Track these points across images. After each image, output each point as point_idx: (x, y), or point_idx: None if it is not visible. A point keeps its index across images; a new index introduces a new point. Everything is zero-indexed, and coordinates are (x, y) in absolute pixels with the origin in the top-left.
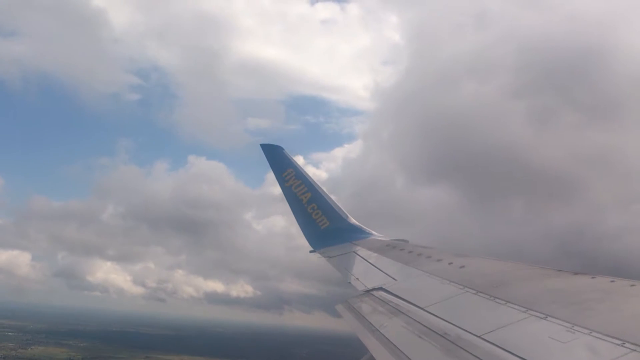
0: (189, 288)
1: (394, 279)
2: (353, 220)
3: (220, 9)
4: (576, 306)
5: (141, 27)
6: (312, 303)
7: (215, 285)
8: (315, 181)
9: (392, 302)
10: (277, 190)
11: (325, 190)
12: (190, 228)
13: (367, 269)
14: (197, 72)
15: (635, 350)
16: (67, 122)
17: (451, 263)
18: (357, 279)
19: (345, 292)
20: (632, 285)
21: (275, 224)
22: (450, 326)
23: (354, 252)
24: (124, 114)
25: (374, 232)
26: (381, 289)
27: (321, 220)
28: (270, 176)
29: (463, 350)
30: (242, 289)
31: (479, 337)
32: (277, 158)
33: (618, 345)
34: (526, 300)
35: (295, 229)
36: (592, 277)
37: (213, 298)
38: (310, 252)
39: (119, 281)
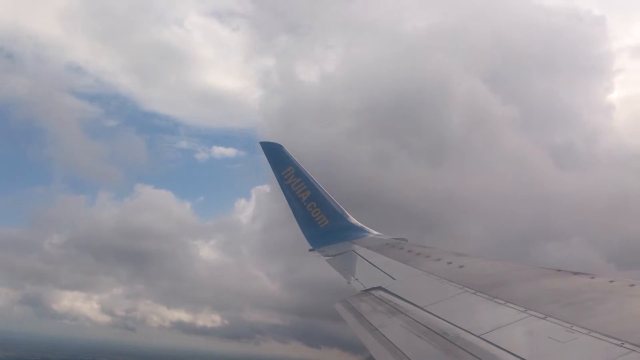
0: (155, 317)
1: (393, 278)
2: (352, 219)
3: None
4: (575, 306)
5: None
6: (285, 332)
7: (181, 315)
8: (315, 180)
9: (391, 302)
10: (234, 219)
11: (324, 188)
12: (143, 258)
13: (366, 268)
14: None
15: (634, 350)
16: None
17: (450, 262)
18: (356, 278)
19: (309, 324)
20: (631, 285)
21: (232, 253)
22: (450, 326)
23: (352, 250)
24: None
25: (373, 231)
26: (380, 288)
27: (320, 218)
28: (238, 204)
29: (462, 349)
30: (209, 318)
31: (478, 336)
32: (276, 156)
33: (617, 345)
34: (525, 300)
35: (254, 258)
36: (592, 277)
37: (183, 327)
38: (310, 250)
39: (85, 309)
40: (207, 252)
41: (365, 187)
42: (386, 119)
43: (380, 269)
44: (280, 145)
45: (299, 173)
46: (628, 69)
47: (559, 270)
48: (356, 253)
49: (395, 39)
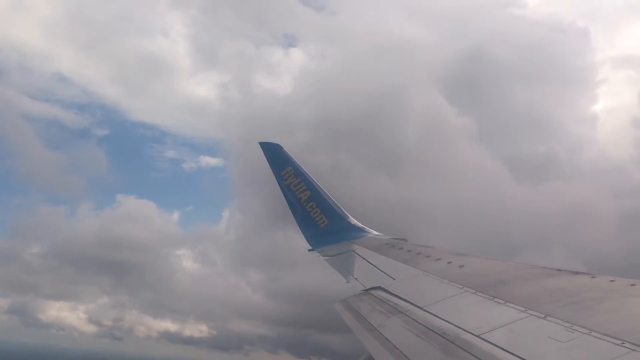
0: (142, 327)
1: (392, 278)
2: (352, 219)
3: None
4: (575, 306)
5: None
6: (274, 343)
7: (167, 325)
8: (315, 180)
9: (391, 302)
10: (219, 229)
11: (324, 189)
12: (126, 268)
13: (365, 268)
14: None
15: (634, 350)
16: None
17: (450, 262)
18: (356, 278)
19: (297, 334)
20: (632, 285)
21: (215, 263)
22: (450, 326)
23: (352, 250)
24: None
25: (372, 231)
26: (380, 288)
27: (320, 218)
28: (225, 214)
29: (462, 349)
30: (197, 328)
31: (478, 336)
32: (275, 156)
33: (617, 345)
34: (525, 300)
35: (237, 268)
36: (592, 277)
37: (171, 337)
38: (309, 250)
39: (71, 319)
40: (190, 262)
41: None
42: (345, 130)
43: (379, 269)
44: (280, 146)
45: (299, 173)
46: (611, 79)
47: (559, 270)
48: (356, 253)
49: (364, 50)
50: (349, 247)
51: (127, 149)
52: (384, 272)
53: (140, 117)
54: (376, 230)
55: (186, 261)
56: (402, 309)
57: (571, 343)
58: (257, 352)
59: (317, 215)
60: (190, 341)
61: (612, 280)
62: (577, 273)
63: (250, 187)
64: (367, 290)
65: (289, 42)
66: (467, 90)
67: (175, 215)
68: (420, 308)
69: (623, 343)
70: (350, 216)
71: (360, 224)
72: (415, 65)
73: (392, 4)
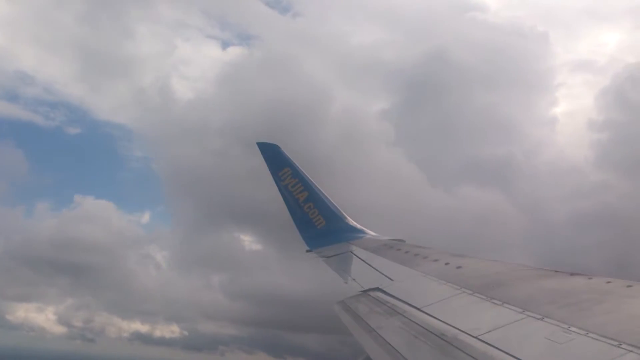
0: (112, 328)
1: (390, 279)
2: (350, 220)
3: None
4: (573, 307)
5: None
6: (249, 343)
7: (137, 326)
8: (313, 181)
9: (389, 303)
10: (178, 231)
11: (322, 190)
12: (88, 269)
13: (363, 269)
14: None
15: (631, 351)
16: None
17: (448, 263)
18: (354, 279)
19: (271, 334)
20: (628, 286)
21: (178, 265)
22: (447, 327)
23: (350, 252)
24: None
25: (370, 232)
26: (378, 289)
27: (317, 219)
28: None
29: (460, 350)
30: (168, 329)
31: (476, 337)
32: (273, 156)
33: (614, 346)
34: (523, 301)
35: (201, 273)
36: (589, 278)
37: (142, 338)
38: (307, 251)
39: (40, 321)
40: (152, 262)
41: (241, 203)
42: (261, 135)
43: (377, 270)
44: (277, 146)
45: (296, 174)
46: (569, 83)
47: (556, 271)
48: (353, 254)
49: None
50: (346, 248)
51: (91, 149)
52: (382, 273)
53: (105, 117)
54: (374, 231)
55: (148, 262)
56: (400, 310)
57: (568, 344)
58: (233, 352)
59: (315, 216)
60: (162, 342)
61: (608, 282)
62: (573, 274)
63: (191, 191)
64: (365, 291)
65: (253, 43)
66: (427, 92)
67: (137, 216)
68: (418, 309)
69: (620, 344)
70: (348, 217)
71: (358, 225)
72: (373, 68)
73: (356, 7)
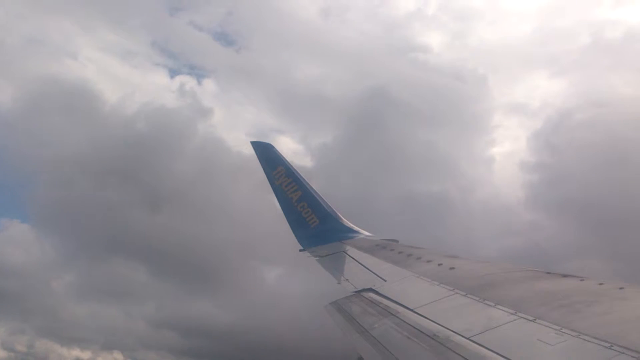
0: (53, 355)
1: (383, 279)
2: (344, 220)
3: None
4: (565, 309)
5: None
6: None
7: (77, 353)
8: (306, 180)
9: (382, 304)
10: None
11: (315, 189)
12: (6, 295)
13: (356, 269)
14: None
15: (623, 352)
16: None
17: (441, 264)
18: (347, 279)
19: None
20: (620, 288)
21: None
22: (440, 328)
23: (343, 251)
24: None
25: (364, 232)
26: (371, 290)
27: (311, 219)
28: None
29: (452, 351)
30: (111, 356)
31: (468, 338)
32: (267, 156)
33: (606, 347)
34: (515, 303)
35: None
36: (581, 280)
37: None
38: (300, 251)
39: None
40: (76, 287)
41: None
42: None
43: (371, 270)
44: (271, 145)
45: (290, 173)
46: (505, 125)
47: (548, 273)
48: (347, 254)
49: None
50: (340, 247)
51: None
52: (375, 274)
53: None
54: (368, 231)
55: (70, 286)
56: (393, 310)
57: (560, 346)
58: None
59: (309, 216)
60: None
61: (600, 284)
62: (565, 276)
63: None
64: (357, 291)
65: (200, 73)
66: (368, 127)
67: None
68: (411, 310)
69: (612, 346)
70: (341, 217)
71: (351, 225)
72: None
73: (300, 45)
